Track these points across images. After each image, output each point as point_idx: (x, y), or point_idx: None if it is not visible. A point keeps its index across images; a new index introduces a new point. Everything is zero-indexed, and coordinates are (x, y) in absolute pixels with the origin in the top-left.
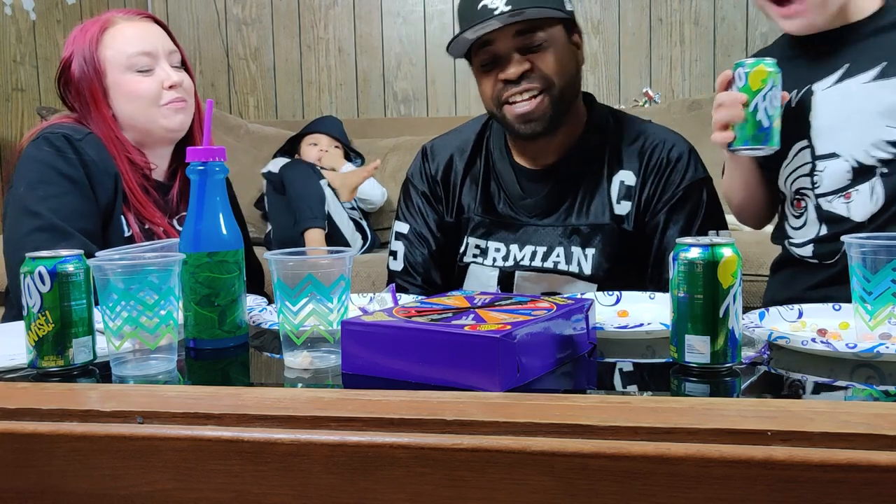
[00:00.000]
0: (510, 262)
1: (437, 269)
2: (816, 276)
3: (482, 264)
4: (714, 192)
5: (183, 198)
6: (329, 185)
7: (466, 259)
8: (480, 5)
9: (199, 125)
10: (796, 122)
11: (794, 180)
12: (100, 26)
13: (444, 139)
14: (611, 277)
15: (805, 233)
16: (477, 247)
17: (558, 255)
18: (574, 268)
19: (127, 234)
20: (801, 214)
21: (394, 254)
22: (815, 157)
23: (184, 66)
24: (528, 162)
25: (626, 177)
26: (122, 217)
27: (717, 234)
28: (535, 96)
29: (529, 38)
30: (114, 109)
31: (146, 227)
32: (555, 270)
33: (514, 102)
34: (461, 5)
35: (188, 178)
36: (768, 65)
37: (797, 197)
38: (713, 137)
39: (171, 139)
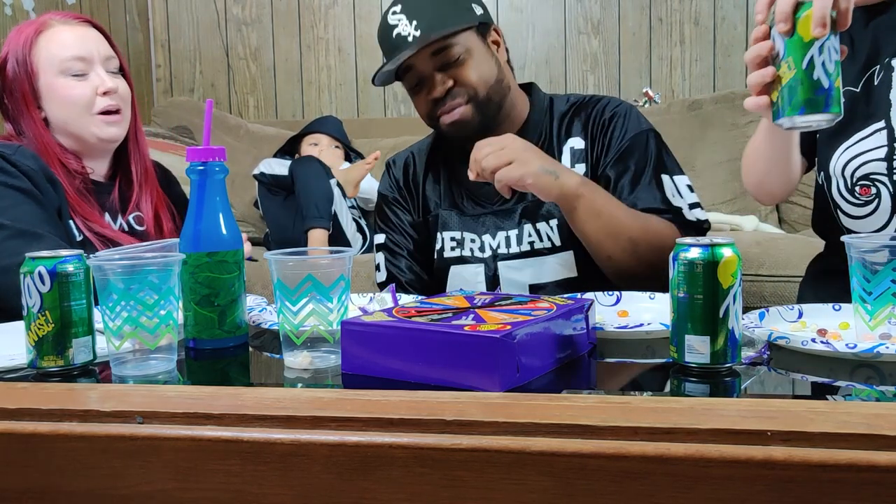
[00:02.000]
0: (488, 253)
1: (421, 268)
2: None
3: (461, 257)
4: (662, 143)
5: (123, 198)
6: (338, 184)
7: (447, 255)
8: (395, 34)
9: (134, 133)
10: (870, 101)
11: (861, 165)
12: (35, 28)
13: (405, 150)
14: (580, 243)
15: (872, 222)
16: (453, 239)
17: (531, 235)
18: (547, 243)
19: (79, 238)
20: (870, 202)
21: (378, 266)
22: (894, 140)
23: (122, 72)
24: None
25: (575, 142)
26: (71, 221)
27: (673, 179)
28: (461, 106)
29: (446, 55)
30: (46, 113)
31: (95, 230)
32: (532, 252)
33: (443, 115)
34: (379, 37)
35: (129, 178)
36: None
37: (864, 183)
38: (746, 102)
39: (103, 149)
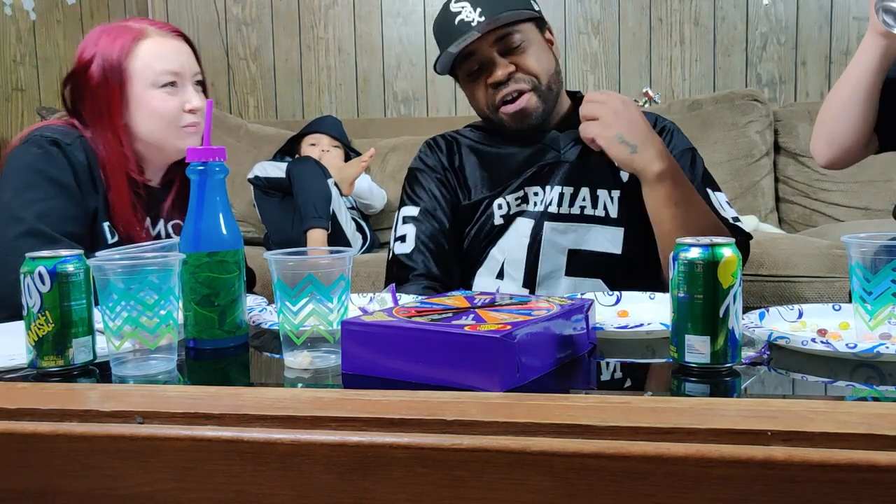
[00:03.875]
0: (540, 207)
1: (450, 246)
2: None
3: (520, 212)
4: (703, 161)
5: (176, 205)
6: (335, 184)
7: (496, 222)
8: (458, 20)
9: (199, 143)
10: None
11: None
12: (133, 36)
13: (443, 134)
14: (638, 220)
15: None
16: (517, 198)
17: (584, 199)
18: (601, 212)
19: (112, 240)
20: None
21: (402, 237)
22: None
23: (202, 87)
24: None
25: None
26: (106, 224)
27: (716, 194)
28: (522, 94)
29: (507, 41)
30: (127, 121)
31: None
32: (582, 217)
33: (507, 103)
34: (437, 26)
35: (185, 185)
36: None
37: None
38: None
39: (176, 158)
